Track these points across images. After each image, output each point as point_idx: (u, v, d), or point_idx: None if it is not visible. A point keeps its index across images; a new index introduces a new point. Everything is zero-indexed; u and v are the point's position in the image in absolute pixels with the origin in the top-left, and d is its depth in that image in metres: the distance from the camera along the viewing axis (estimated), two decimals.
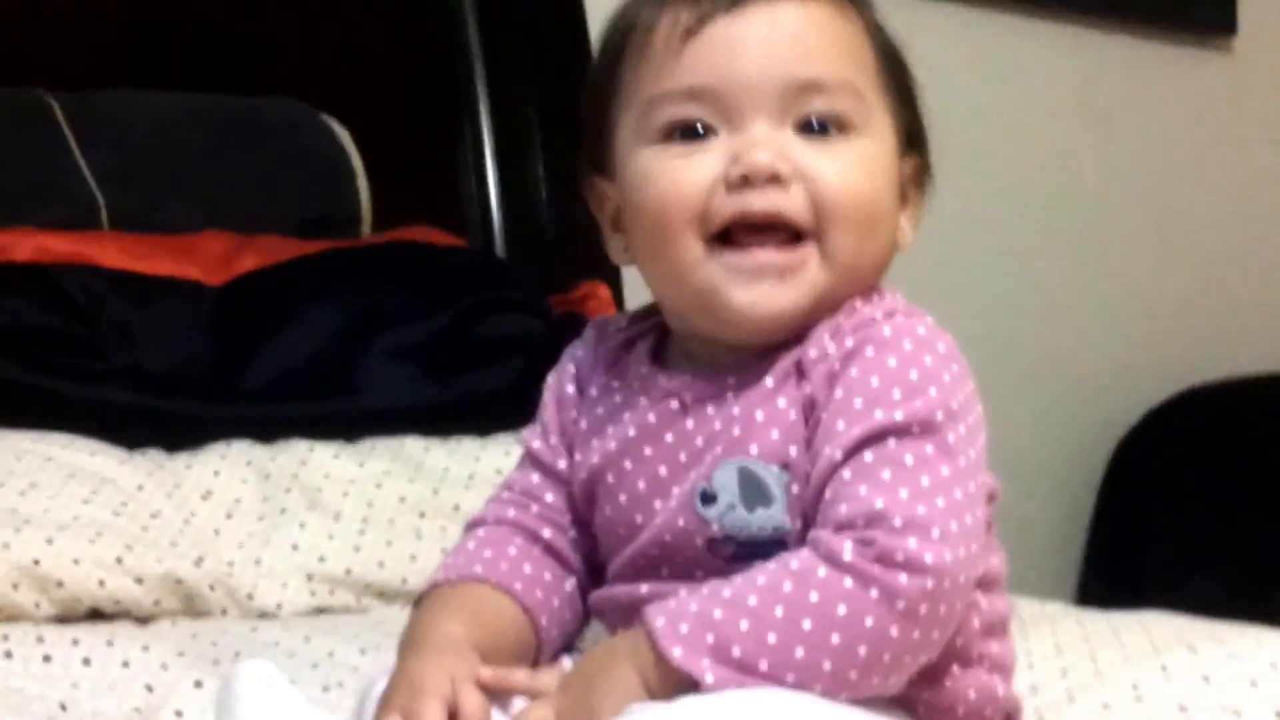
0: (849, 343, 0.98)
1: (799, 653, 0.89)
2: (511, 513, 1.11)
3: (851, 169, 1.00)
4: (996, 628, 1.04)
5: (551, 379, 1.15)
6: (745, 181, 0.98)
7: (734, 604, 0.91)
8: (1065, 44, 2.90)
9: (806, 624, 0.90)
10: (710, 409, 1.02)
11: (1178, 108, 3.09)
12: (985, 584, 1.02)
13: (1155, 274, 3.06)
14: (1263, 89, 3.20)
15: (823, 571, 0.91)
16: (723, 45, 1.00)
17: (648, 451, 1.04)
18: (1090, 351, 2.95)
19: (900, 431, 0.94)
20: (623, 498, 1.05)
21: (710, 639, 0.90)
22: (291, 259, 1.81)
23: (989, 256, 2.74)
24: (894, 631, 0.90)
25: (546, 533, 1.10)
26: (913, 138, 1.07)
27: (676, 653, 0.90)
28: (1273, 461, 2.73)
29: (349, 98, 2.07)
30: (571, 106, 2.17)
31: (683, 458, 1.02)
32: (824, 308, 1.00)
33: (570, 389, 1.12)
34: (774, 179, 0.98)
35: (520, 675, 0.97)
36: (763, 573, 0.92)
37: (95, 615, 1.39)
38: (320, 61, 2.10)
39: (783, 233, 0.99)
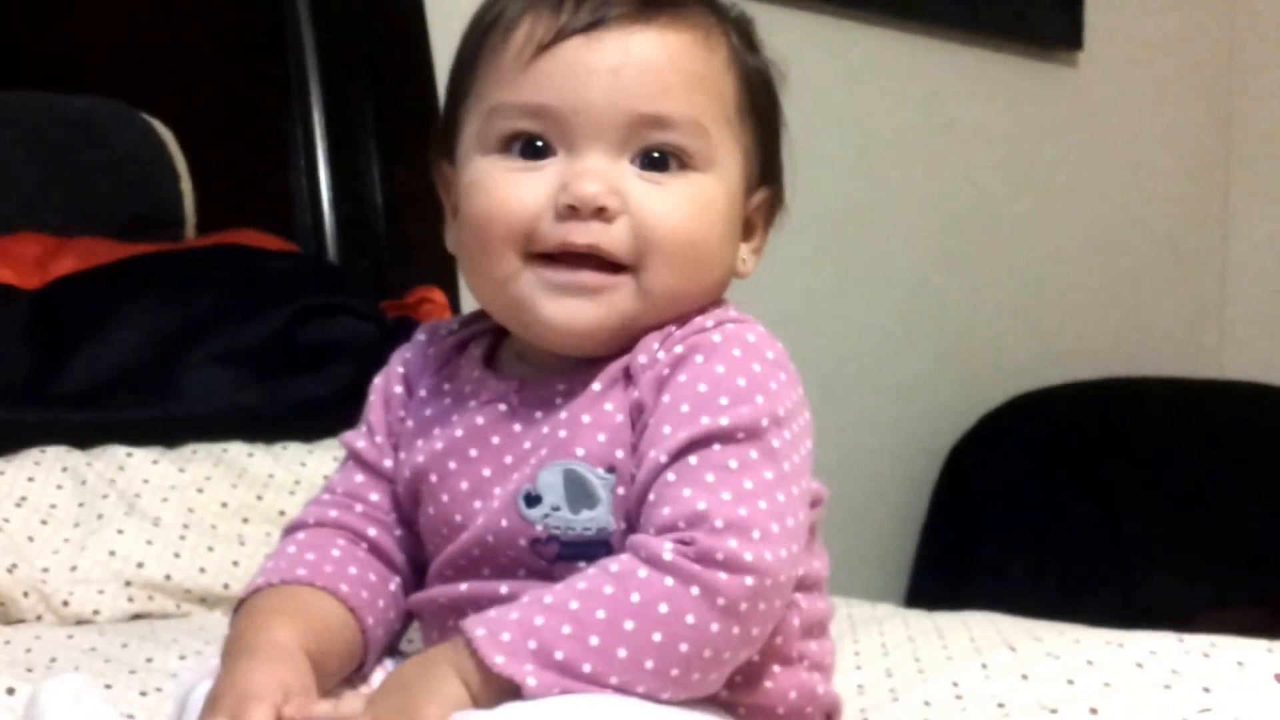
0: (678, 349, 0.99)
1: (621, 653, 0.90)
2: (334, 514, 1.11)
3: (681, 207, 1.00)
4: (816, 628, 1.06)
5: (379, 379, 1.15)
6: (571, 212, 0.99)
7: (555, 609, 0.91)
8: (913, 53, 2.94)
9: (628, 624, 0.90)
10: (538, 412, 1.02)
11: (1022, 119, 3.14)
12: (807, 586, 1.04)
13: (991, 281, 3.11)
14: (1106, 103, 3.27)
15: (643, 573, 0.91)
16: (572, 67, 0.99)
17: (473, 453, 1.04)
18: (925, 356, 2.99)
19: (725, 436, 0.95)
20: (445, 498, 1.04)
21: (532, 645, 0.90)
22: (111, 262, 1.78)
23: (826, 261, 2.77)
24: (715, 628, 0.91)
25: (371, 531, 1.10)
26: (767, 169, 1.08)
27: (498, 660, 0.90)
28: (1098, 466, 2.79)
29: (174, 97, 2.04)
30: (408, 108, 2.19)
31: (508, 460, 1.02)
32: (635, 329, 1.01)
33: (398, 389, 1.12)
34: (599, 212, 0.99)
35: (324, 707, 0.94)
36: (583, 578, 0.93)
37: None
38: (144, 60, 2.06)
39: (601, 262, 1.00)
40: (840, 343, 2.76)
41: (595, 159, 0.99)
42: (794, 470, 0.97)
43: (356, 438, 1.13)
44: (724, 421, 0.95)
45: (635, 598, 0.90)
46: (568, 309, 1.00)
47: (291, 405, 1.76)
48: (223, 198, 2.03)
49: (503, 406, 1.04)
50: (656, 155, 1.00)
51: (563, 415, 1.01)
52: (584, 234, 0.99)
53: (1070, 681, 1.22)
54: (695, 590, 0.90)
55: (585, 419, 1.00)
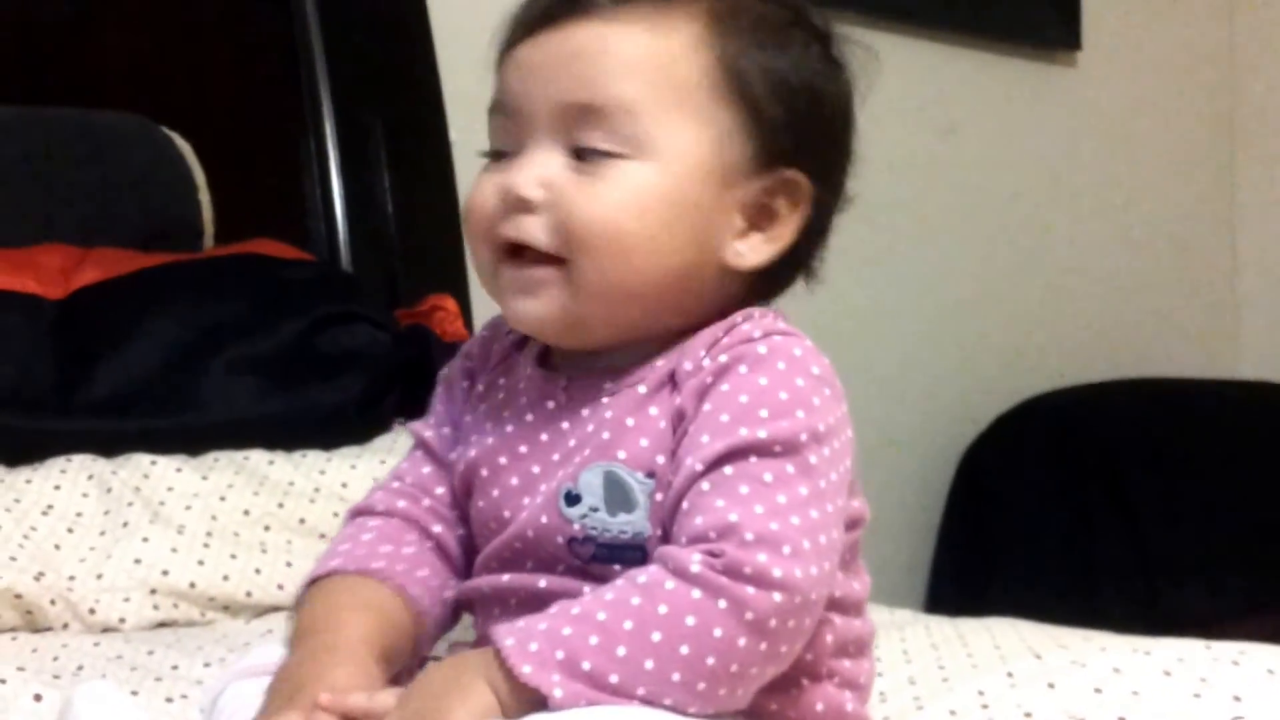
0: (723, 358, 0.99)
1: (648, 665, 0.89)
2: (402, 504, 1.12)
3: (604, 197, 1.00)
4: (851, 647, 1.05)
5: (445, 371, 1.16)
6: (504, 206, 1.01)
7: (583, 620, 0.91)
8: (914, 56, 2.94)
9: (656, 636, 0.90)
10: (585, 411, 1.03)
11: (1024, 121, 3.15)
12: (844, 607, 1.04)
13: (1001, 283, 3.11)
14: (1106, 103, 3.28)
15: (671, 584, 0.91)
16: (516, 66, 1.03)
17: (523, 449, 1.05)
18: (939, 359, 3.00)
19: (762, 449, 0.95)
20: (495, 492, 1.06)
21: (560, 655, 0.90)
22: (132, 272, 1.80)
23: (837, 265, 2.77)
24: (742, 642, 0.90)
25: (437, 529, 1.11)
26: (788, 152, 1.04)
27: (526, 670, 0.90)
28: (1116, 467, 2.77)
29: (191, 111, 2.06)
30: (416, 119, 2.21)
31: (555, 457, 1.03)
32: (588, 326, 1.02)
33: (463, 383, 1.14)
34: (523, 204, 1.01)
35: (359, 698, 0.95)
36: (611, 588, 0.93)
37: None
38: (162, 75, 2.08)
39: (535, 253, 1.01)
40: (851, 346, 2.77)
41: (533, 154, 1.02)
42: (830, 488, 0.96)
43: (424, 427, 1.14)
44: (762, 434, 0.95)
45: (663, 610, 0.90)
46: (519, 305, 1.02)
47: (310, 413, 1.77)
48: (239, 208, 2.05)
49: (551, 404, 1.05)
50: (590, 149, 1.01)
51: (607, 416, 1.01)
52: (513, 228, 1.01)
53: (1098, 690, 1.21)
54: (723, 604, 0.90)
55: (629, 422, 1.00)
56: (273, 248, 1.96)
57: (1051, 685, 1.24)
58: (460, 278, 2.19)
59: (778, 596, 0.90)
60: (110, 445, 1.64)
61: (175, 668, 1.33)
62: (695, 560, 0.91)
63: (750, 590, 0.90)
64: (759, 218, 1.05)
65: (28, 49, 2.00)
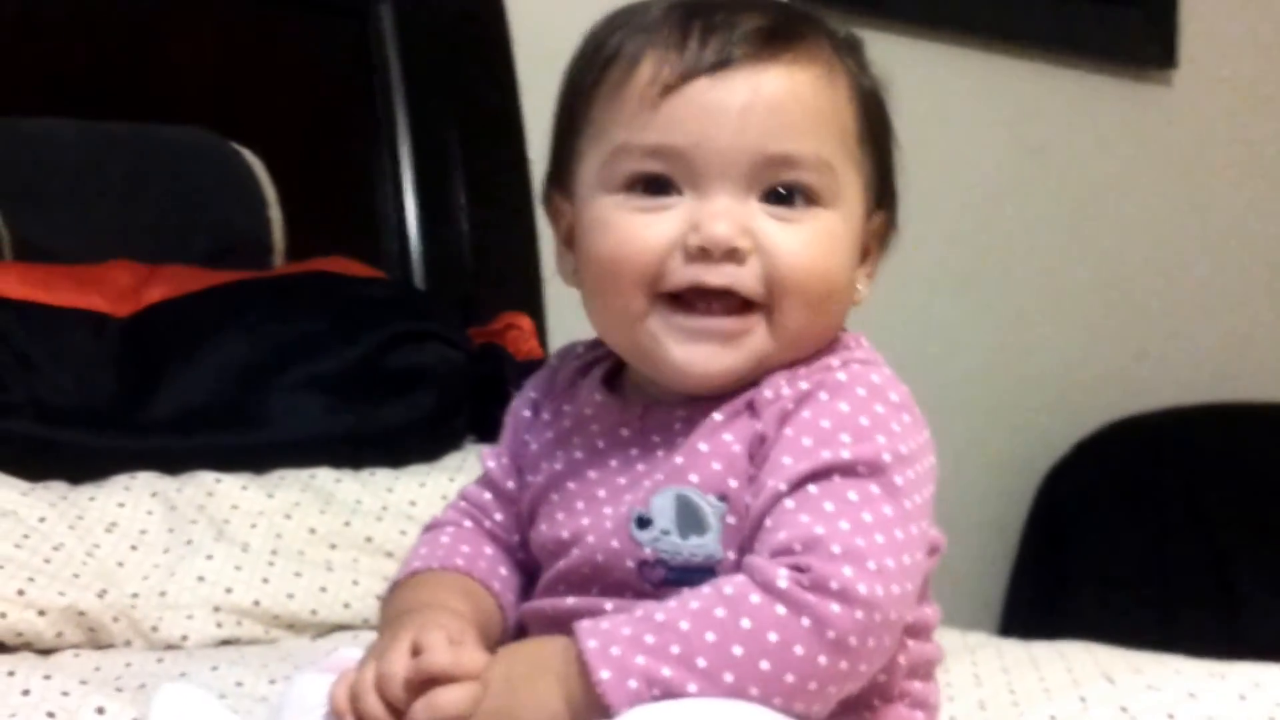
0: (804, 385, 1.00)
1: (728, 678, 0.89)
2: (468, 523, 1.15)
3: (811, 245, 1.00)
4: (921, 669, 1.06)
5: (514, 402, 1.17)
6: (703, 253, 0.99)
7: (666, 628, 0.91)
8: (1003, 75, 2.92)
9: (737, 650, 0.90)
10: (656, 437, 1.04)
11: (1117, 141, 3.11)
12: (917, 631, 1.04)
13: (1085, 304, 3.07)
14: (1202, 122, 3.22)
15: (756, 598, 0.91)
16: (700, 108, 0.99)
17: (591, 474, 1.06)
18: (1020, 380, 2.97)
19: (846, 469, 0.95)
20: (559, 515, 1.06)
21: (641, 661, 0.90)
22: (201, 289, 1.80)
23: (918, 285, 2.75)
24: (822, 660, 0.90)
25: (488, 550, 1.14)
26: (882, 195, 1.08)
27: (604, 675, 0.90)
28: (1198, 492, 2.75)
29: (263, 127, 2.06)
30: (493, 136, 2.20)
31: (621, 481, 1.04)
32: (765, 369, 1.02)
33: (527, 413, 1.15)
34: (731, 253, 0.99)
35: (443, 656, 0.94)
36: (696, 597, 0.93)
37: None
38: (235, 90, 2.09)
39: (733, 301, 1.00)
40: (934, 367, 2.74)
41: (724, 199, 0.99)
42: (914, 510, 0.97)
43: (490, 456, 1.17)
44: (845, 455, 0.95)
45: (745, 624, 0.90)
46: (702, 354, 1.01)
47: (379, 431, 1.77)
48: (311, 225, 2.05)
49: (624, 431, 1.06)
50: (784, 193, 1.00)
51: (680, 441, 1.02)
52: (718, 276, 0.99)
53: (1171, 715, 1.20)
54: (806, 621, 0.90)
55: (702, 447, 1.01)
56: (344, 265, 1.96)
57: (1124, 709, 1.23)
58: (536, 296, 2.18)
59: (860, 614, 0.90)
60: (175, 463, 1.64)
61: (240, 685, 1.33)
62: (782, 575, 0.91)
63: (835, 608, 0.90)
64: (861, 254, 1.08)
65: (98, 63, 2.01)
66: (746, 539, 0.97)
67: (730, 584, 0.92)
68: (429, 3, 2.23)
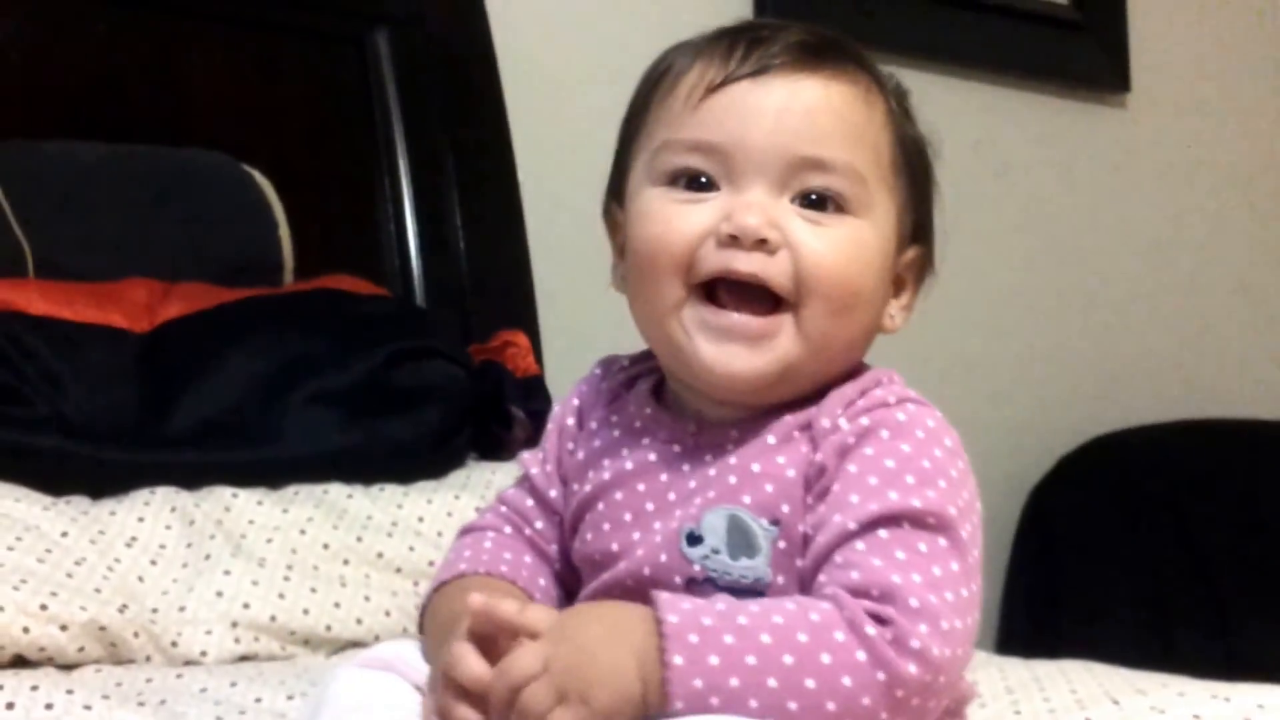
0: (864, 420, 1.01)
1: (791, 705, 0.90)
2: (509, 529, 1.15)
3: (840, 247, 1.03)
4: (953, 705, 1.06)
5: (557, 409, 1.19)
6: (734, 240, 1.02)
7: (747, 636, 0.91)
8: (964, 98, 2.95)
9: (809, 682, 0.90)
10: (709, 455, 1.05)
11: (1075, 161, 3.15)
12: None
13: (1062, 323, 3.11)
14: (1156, 142, 3.28)
15: (841, 635, 0.91)
16: (739, 108, 1.03)
17: (640, 487, 1.07)
18: (1001, 400, 2.99)
19: (915, 519, 0.97)
20: (605, 526, 1.07)
21: (714, 660, 0.90)
22: (215, 306, 1.82)
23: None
24: (882, 716, 0.91)
25: (527, 559, 1.14)
26: (919, 230, 1.11)
27: (678, 660, 0.90)
28: (1183, 508, 2.75)
29: (270, 149, 2.09)
30: (486, 158, 2.23)
31: (671, 497, 1.05)
32: (793, 379, 1.04)
33: (570, 421, 1.16)
34: (761, 243, 1.02)
35: (510, 605, 0.94)
36: (780, 611, 0.93)
37: (19, 663, 1.39)
38: (242, 114, 2.12)
39: (761, 297, 1.03)
40: (915, 388, 2.77)
41: (757, 194, 1.03)
42: (975, 565, 0.98)
43: (533, 461, 1.17)
44: (915, 503, 0.97)
45: (825, 659, 0.90)
46: (729, 354, 1.03)
47: (387, 447, 1.78)
48: (316, 245, 2.07)
49: (676, 446, 1.07)
50: (815, 196, 1.03)
51: (733, 461, 1.03)
52: (746, 263, 1.02)
53: None
54: (881, 676, 0.90)
55: (755, 468, 1.02)
56: (349, 283, 1.98)
57: None
58: (530, 314, 2.21)
59: (928, 677, 0.91)
60: (193, 478, 1.65)
61: (259, 700, 1.34)
62: (869, 623, 0.91)
63: (911, 669, 0.91)
64: (896, 286, 1.11)
65: (114, 89, 2.04)
66: (807, 569, 0.98)
67: (817, 610, 0.92)
68: (422, 31, 2.26)
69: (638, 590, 1.02)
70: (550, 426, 1.18)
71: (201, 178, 1.98)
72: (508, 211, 2.26)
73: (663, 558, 1.02)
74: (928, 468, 0.99)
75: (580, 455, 1.13)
